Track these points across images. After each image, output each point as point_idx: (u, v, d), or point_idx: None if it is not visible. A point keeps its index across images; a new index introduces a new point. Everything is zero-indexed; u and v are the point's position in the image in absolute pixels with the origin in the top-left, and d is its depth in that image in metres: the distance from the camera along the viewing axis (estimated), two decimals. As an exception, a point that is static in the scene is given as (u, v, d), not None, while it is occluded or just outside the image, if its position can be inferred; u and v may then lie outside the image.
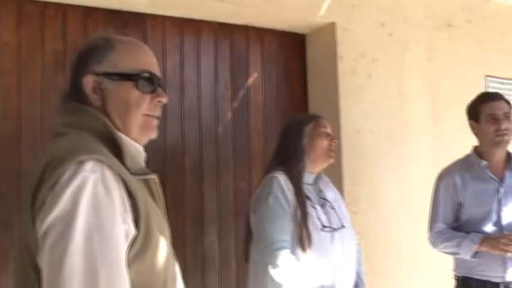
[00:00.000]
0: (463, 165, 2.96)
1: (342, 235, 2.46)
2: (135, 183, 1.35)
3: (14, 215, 2.46)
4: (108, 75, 1.44)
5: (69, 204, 1.21)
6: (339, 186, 3.18)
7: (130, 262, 1.29)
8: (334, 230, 2.44)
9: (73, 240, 1.19)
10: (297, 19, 3.47)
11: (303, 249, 2.32)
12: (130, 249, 1.29)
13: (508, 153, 2.94)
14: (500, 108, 2.86)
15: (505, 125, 2.82)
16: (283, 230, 2.32)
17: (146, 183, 1.46)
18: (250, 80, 3.48)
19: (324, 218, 2.45)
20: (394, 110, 3.72)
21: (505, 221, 2.78)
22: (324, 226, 2.41)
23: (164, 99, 1.51)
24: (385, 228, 3.57)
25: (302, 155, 2.51)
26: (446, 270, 3.03)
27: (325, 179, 2.69)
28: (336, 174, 3.28)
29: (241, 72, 3.47)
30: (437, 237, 2.91)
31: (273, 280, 2.26)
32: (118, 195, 1.28)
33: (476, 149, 2.96)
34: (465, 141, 3.06)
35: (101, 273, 1.20)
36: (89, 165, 1.25)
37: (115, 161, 1.33)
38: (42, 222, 1.21)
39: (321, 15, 3.44)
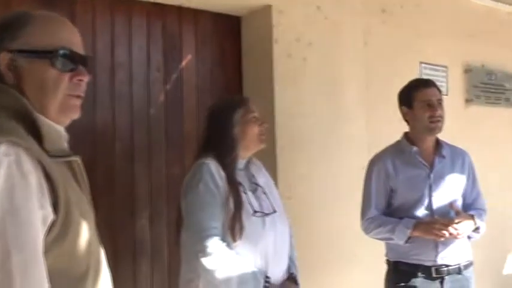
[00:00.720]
0: (394, 152, 3.07)
1: (274, 220, 2.50)
2: (54, 166, 1.33)
3: None
4: (23, 52, 1.38)
5: None
6: (272, 171, 3.21)
7: (48, 248, 1.27)
8: (266, 215, 2.48)
9: None
10: (232, 1, 3.49)
11: (235, 236, 2.34)
12: (48, 234, 1.27)
13: (437, 140, 3.05)
14: (434, 94, 2.98)
15: (439, 112, 2.94)
16: (213, 217, 2.34)
17: (69, 165, 1.45)
18: (184, 62, 3.48)
19: (255, 203, 2.48)
20: (328, 95, 3.79)
21: (435, 205, 2.92)
22: (255, 211, 2.45)
23: (85, 78, 1.46)
24: (319, 213, 3.63)
25: (234, 143, 2.52)
26: (379, 255, 3.14)
27: (257, 163, 2.72)
28: (269, 159, 3.30)
29: (175, 54, 3.45)
30: (370, 224, 3.00)
31: (204, 267, 2.29)
32: (35, 179, 1.25)
33: (406, 135, 3.06)
34: (398, 127, 3.16)
35: (14, 257, 1.18)
36: (3, 148, 1.22)
37: (33, 143, 1.30)
38: None
39: None
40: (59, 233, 1.29)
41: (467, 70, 4.98)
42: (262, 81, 3.60)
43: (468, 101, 4.95)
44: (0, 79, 1.39)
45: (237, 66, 3.74)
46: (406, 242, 2.89)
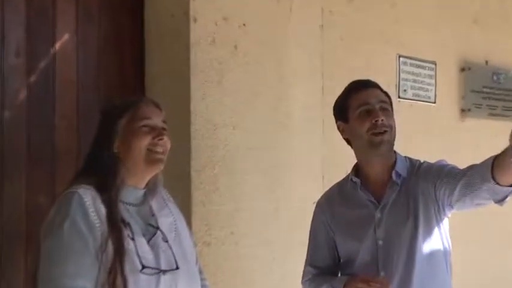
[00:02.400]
0: (339, 187, 2.96)
1: (175, 278, 2.31)
2: None
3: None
4: None
5: None
6: (185, 204, 3.05)
7: None
8: (162, 272, 2.28)
9: None
10: None
11: None
12: None
13: (394, 162, 2.79)
14: (374, 96, 2.76)
15: (381, 119, 2.69)
16: (80, 271, 2.14)
17: None
18: (58, 45, 3.24)
19: (147, 254, 2.28)
20: (270, 98, 3.60)
21: (383, 254, 2.75)
22: (144, 267, 2.23)
23: None
24: (248, 265, 3.47)
25: (114, 163, 2.33)
26: None
27: (163, 196, 2.53)
28: (181, 188, 3.20)
29: (44, 33, 3.22)
30: (307, 283, 2.95)
31: None
32: None
33: (356, 163, 2.88)
34: None
35: None
36: None
37: None
38: None
39: None
40: None
41: (465, 68, 4.82)
42: (172, 76, 3.42)
43: (464, 111, 4.80)
44: None
45: (136, 54, 3.55)
46: None
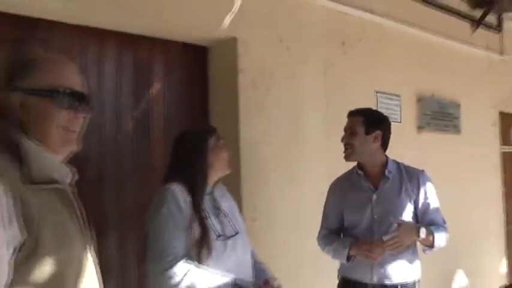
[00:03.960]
0: (346, 177, 3.15)
1: (236, 242, 2.49)
2: (35, 192, 1.42)
3: None
4: (30, 91, 1.51)
5: None
6: (237, 195, 3.23)
7: (18, 265, 1.37)
8: (228, 238, 2.46)
9: None
10: (200, 32, 3.48)
11: (201, 261, 2.32)
12: (17, 253, 1.36)
13: (386, 162, 3.04)
14: (348, 122, 3.04)
15: (344, 139, 3.01)
16: (176, 240, 2.32)
17: (61, 193, 1.53)
18: (152, 90, 3.42)
19: (218, 227, 2.46)
20: (290, 123, 3.81)
21: (377, 225, 2.93)
22: (218, 235, 2.43)
23: (82, 114, 1.60)
24: (282, 234, 3.65)
25: (207, 168, 2.51)
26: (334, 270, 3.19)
27: (221, 187, 2.69)
28: (234, 184, 3.31)
29: (144, 82, 3.39)
30: (320, 242, 3.12)
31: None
32: (3, 202, 1.33)
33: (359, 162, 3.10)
34: None
35: None
36: None
37: (8, 170, 1.41)
38: None
39: (223, 29, 3.44)
40: (28, 254, 1.38)
41: (420, 99, 5.03)
42: (228, 110, 3.57)
43: (420, 127, 5.02)
44: (9, 114, 1.51)
45: (203, 95, 3.69)
46: (348, 260, 2.94)
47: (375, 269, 2.92)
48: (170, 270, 2.27)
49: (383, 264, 2.91)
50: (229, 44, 3.57)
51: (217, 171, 2.57)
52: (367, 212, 2.97)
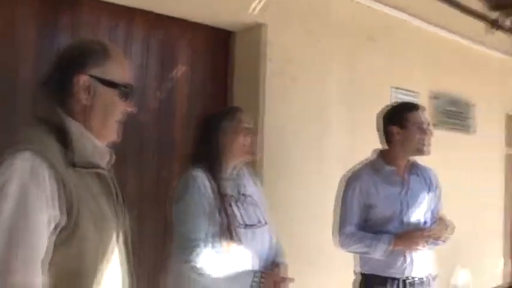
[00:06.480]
0: (371, 170, 3.00)
1: (258, 231, 2.44)
2: (76, 175, 1.44)
3: None
4: (101, 80, 1.55)
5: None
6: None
7: (57, 247, 1.39)
8: (251, 226, 2.42)
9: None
10: (228, 16, 3.41)
11: (224, 248, 2.29)
12: (57, 235, 1.39)
13: (408, 159, 3.01)
14: (425, 118, 2.97)
15: (429, 136, 2.93)
16: (198, 227, 2.28)
17: (100, 177, 1.56)
18: (178, 72, 3.36)
19: (240, 214, 2.41)
20: (315, 113, 3.76)
21: (408, 220, 2.90)
22: (241, 224, 2.38)
23: (133, 110, 1.66)
24: (301, 224, 3.59)
25: (220, 151, 2.45)
26: (349, 265, 3.11)
27: (247, 172, 2.62)
28: (256, 171, 3.21)
29: (170, 64, 3.33)
30: (347, 239, 2.94)
31: (193, 273, 2.28)
32: (46, 183, 1.36)
33: (382, 154, 3.02)
34: (375, 145, 3.12)
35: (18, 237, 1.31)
36: (24, 155, 1.36)
37: (55, 153, 1.42)
38: None
39: (252, 15, 3.39)
40: (67, 235, 1.40)
41: (434, 97, 4.99)
42: (252, 96, 3.50)
43: (434, 125, 4.86)
44: (70, 96, 1.53)
45: (229, 79, 3.62)
46: (383, 256, 2.87)
47: (407, 263, 2.88)
48: (191, 258, 2.25)
49: (414, 257, 2.89)
50: (257, 30, 3.49)
51: (235, 156, 2.48)
52: (399, 206, 2.92)
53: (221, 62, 3.61)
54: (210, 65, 3.54)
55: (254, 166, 3.23)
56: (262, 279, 2.30)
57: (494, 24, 5.54)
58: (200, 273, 2.27)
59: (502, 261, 6.16)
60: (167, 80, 3.34)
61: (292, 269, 3.17)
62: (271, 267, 2.47)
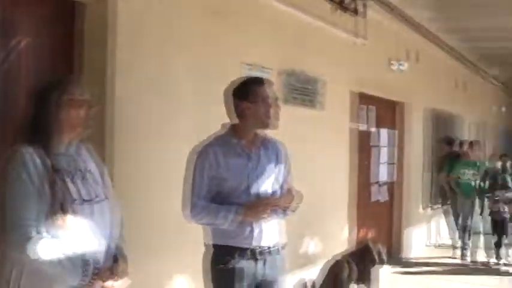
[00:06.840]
0: (220, 143, 3.06)
1: (100, 206, 2.35)
2: None
3: None
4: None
5: None
6: (103, 154, 3.00)
7: None
8: (89, 201, 2.31)
9: None
10: None
11: (57, 226, 2.18)
12: None
13: (255, 132, 3.10)
14: (272, 92, 3.06)
15: (275, 110, 3.02)
16: (27, 209, 2.16)
17: None
18: (20, 43, 3.10)
19: (77, 189, 2.29)
20: (165, 87, 3.73)
21: (256, 191, 3.00)
22: (76, 199, 2.26)
23: None
24: (146, 196, 3.54)
25: (51, 125, 2.28)
26: (199, 239, 3.18)
27: (85, 147, 2.47)
28: (100, 143, 3.14)
29: (11, 34, 3.06)
30: (198, 211, 2.98)
31: (23, 257, 2.15)
32: None
33: (234, 128, 3.09)
34: (226, 119, 3.20)
35: None
36: None
37: None
38: None
39: None
40: None
41: (285, 74, 5.11)
42: (99, 69, 3.37)
43: (285, 101, 5.03)
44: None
45: (75, 51, 3.42)
46: (232, 226, 2.94)
47: (254, 233, 2.98)
48: (22, 242, 2.12)
49: (263, 227, 2.99)
50: (106, 1, 3.37)
51: (67, 129, 2.32)
52: (246, 178, 3.01)
53: (69, 33, 3.41)
54: (57, 37, 3.34)
55: (103, 141, 3.23)
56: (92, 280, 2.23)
57: (341, 5, 5.77)
58: (34, 259, 2.13)
59: (346, 228, 6.53)
60: (8, 52, 3.07)
61: (139, 247, 3.09)
62: (110, 263, 2.37)
